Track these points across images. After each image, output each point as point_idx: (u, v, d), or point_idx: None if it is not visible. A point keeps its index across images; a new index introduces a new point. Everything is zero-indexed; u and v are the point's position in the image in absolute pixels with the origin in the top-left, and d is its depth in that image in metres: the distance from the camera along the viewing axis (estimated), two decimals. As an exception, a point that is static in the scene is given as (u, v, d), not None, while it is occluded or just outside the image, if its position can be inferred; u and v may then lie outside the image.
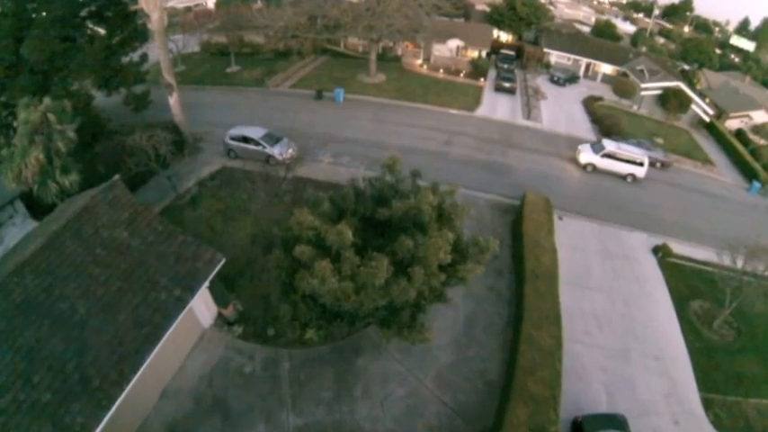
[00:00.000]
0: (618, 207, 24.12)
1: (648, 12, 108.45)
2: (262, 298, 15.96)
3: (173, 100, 23.28)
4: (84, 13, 26.92)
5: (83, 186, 19.61)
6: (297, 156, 22.82)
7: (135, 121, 27.27)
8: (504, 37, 50.58)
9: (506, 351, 15.33)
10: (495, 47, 46.51)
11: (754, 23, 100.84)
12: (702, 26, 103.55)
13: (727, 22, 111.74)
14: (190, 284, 12.63)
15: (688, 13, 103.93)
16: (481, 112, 33.69)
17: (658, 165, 30.26)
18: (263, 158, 22.88)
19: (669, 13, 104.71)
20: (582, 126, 34.08)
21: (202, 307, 14.63)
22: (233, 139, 23.53)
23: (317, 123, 28.64)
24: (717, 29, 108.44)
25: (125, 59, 27.15)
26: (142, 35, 27.62)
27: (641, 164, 27.07)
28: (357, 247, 10.48)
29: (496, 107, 34.85)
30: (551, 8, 58.04)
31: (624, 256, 21.25)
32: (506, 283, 17.70)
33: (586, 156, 27.63)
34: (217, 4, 56.66)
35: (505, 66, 41.75)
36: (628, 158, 27.12)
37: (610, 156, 27.21)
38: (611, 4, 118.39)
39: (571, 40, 47.64)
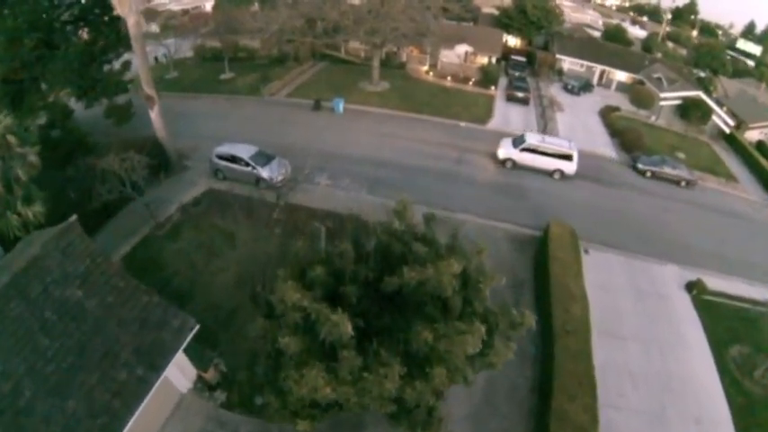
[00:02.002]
0: (644, 234, 21.88)
1: (652, 15, 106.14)
2: (249, 356, 13.69)
3: (154, 114, 20.97)
4: (66, 16, 24.84)
5: (50, 217, 17.46)
6: (290, 177, 20.62)
7: (118, 135, 25.12)
8: (513, 42, 48.18)
9: (532, 422, 13.15)
10: (505, 53, 44.12)
11: (760, 27, 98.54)
12: (707, 30, 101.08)
13: (731, 26, 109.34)
14: (155, 361, 10.36)
15: (693, 17, 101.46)
16: (493, 124, 31.22)
17: (683, 183, 28.02)
18: (252, 180, 20.59)
19: (674, 16, 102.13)
20: (600, 140, 31.66)
21: (177, 372, 12.39)
22: (220, 158, 21.21)
23: (314, 138, 26.33)
24: (720, 32, 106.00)
25: (107, 68, 24.94)
26: (125, 41, 25.42)
27: (569, 158, 24.68)
28: (358, 329, 8.20)
29: (510, 119, 32.37)
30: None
31: (656, 294, 19.11)
32: (530, 337, 15.41)
33: (505, 151, 25.52)
34: (214, 7, 54.37)
35: (516, 73, 39.37)
36: (552, 152, 24.80)
37: (531, 150, 24.94)
38: (616, 8, 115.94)
39: (584, 45, 45.15)
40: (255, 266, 15.83)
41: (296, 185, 18.02)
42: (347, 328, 7.34)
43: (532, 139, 25.33)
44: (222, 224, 17.98)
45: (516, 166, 25.35)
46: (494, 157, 26.37)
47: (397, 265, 9.30)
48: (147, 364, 10.29)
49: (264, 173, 20.02)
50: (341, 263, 9.56)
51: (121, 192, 17.27)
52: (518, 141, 25.61)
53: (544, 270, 16.71)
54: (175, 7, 60.67)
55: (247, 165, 20.45)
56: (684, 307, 18.52)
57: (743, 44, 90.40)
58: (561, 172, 24.98)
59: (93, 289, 11.13)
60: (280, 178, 19.66)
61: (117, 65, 24.95)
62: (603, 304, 17.36)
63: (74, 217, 12.22)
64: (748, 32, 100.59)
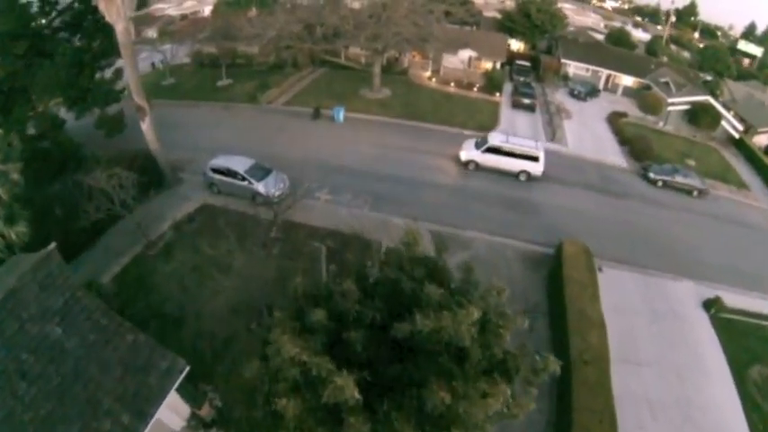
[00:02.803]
0: (658, 248, 21.02)
1: (652, 17, 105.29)
2: (246, 392, 12.74)
3: (145, 125, 20.01)
4: (58, 23, 24.06)
5: (36, 236, 16.61)
6: (288, 191, 19.80)
7: (111, 147, 24.09)
8: (515, 46, 47.18)
9: (550, 460, 12.24)
10: (509, 57, 43.05)
11: (760, 27, 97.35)
12: (707, 31, 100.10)
13: (731, 27, 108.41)
14: (142, 407, 9.44)
15: (692, 18, 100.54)
16: None
17: (695, 193, 27.09)
18: (248, 195, 19.68)
19: (675, 18, 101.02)
20: (609, 148, 30.68)
21: (168, 411, 11.43)
22: (215, 171, 20.25)
23: (314, 149, 25.42)
24: (719, 33, 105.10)
25: (99, 75, 24.10)
26: (118, 48, 24.65)
27: (535, 159, 23.67)
28: (364, 384, 7.27)
29: (516, 127, 31.14)
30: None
31: (673, 314, 18.28)
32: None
33: (467, 152, 24.65)
34: (213, 12, 53.49)
35: (521, 78, 38.36)
36: (517, 153, 23.85)
37: (494, 150, 24.00)
38: (614, 10, 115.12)
39: (589, 49, 44.19)
40: (252, 291, 14.94)
41: (294, 202, 17.01)
42: (354, 392, 6.40)
43: (495, 139, 24.43)
44: (217, 243, 16.98)
45: (479, 168, 24.49)
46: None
47: (408, 306, 8.41)
48: (134, 411, 9.35)
49: (261, 187, 19.06)
50: (344, 303, 8.63)
51: (110, 210, 16.35)
52: (481, 142, 24.78)
53: (559, 293, 15.80)
54: (174, 12, 59.86)
55: (243, 179, 19.53)
56: (702, 326, 17.74)
57: (744, 45, 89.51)
58: (527, 173, 24.06)
59: (74, 326, 10.21)
60: (277, 193, 18.69)
61: (109, 73, 24.07)
62: (619, 327, 16.47)
63: (52, 245, 11.26)
64: (749, 34, 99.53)
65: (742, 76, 66.08)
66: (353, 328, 8.35)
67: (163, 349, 10.21)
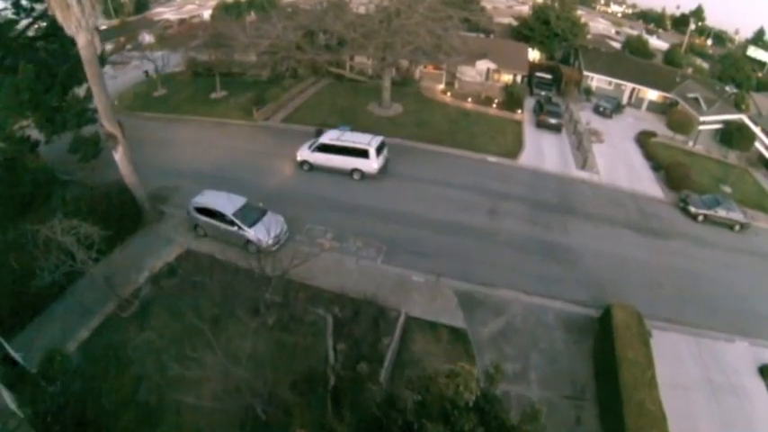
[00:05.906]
0: (707, 300, 18.26)
1: (658, 22, 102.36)
2: None
3: (119, 155, 17.04)
4: (33, 32, 21.44)
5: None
6: (286, 236, 17.12)
7: (87, 170, 21.65)
8: (531, 56, 43.95)
9: None
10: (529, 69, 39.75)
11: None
12: (715, 36, 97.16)
13: (736, 31, 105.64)
14: None
15: (699, 24, 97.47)
16: (526, 159, 26.72)
17: (737, 227, 24.23)
18: (239, 241, 16.82)
19: (681, 23, 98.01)
20: (644, 176, 27.47)
21: None
22: (199, 211, 17.32)
23: (315, 179, 22.58)
24: (723, 37, 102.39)
25: (75, 92, 21.38)
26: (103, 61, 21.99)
27: (365, 154, 21.95)
28: None
29: (543, 151, 27.98)
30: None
31: (731, 387, 15.74)
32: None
33: (301, 152, 23.47)
34: (212, 17, 50.91)
35: (543, 93, 35.01)
36: (348, 149, 22.23)
37: (325, 148, 22.53)
38: (624, 16, 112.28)
39: (612, 59, 40.70)
40: (244, 377, 12.10)
41: (294, 266, 13.75)
42: None
43: (326, 137, 23.06)
44: (202, 306, 14.07)
45: (314, 168, 23.09)
46: (536, 202, 22.73)
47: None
48: None
49: (252, 234, 16.13)
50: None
51: (72, 266, 13.50)
52: (314, 141, 23.48)
53: (611, 375, 13.08)
54: (173, 16, 57.72)
55: (232, 223, 16.54)
56: (761, 398, 15.47)
57: (753, 51, 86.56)
58: (361, 172, 22.42)
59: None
60: (272, 241, 15.81)
61: (83, 90, 21.22)
62: (676, 409, 13.82)
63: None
64: (758, 39, 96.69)
65: (761, 85, 63.27)
66: None
67: None
